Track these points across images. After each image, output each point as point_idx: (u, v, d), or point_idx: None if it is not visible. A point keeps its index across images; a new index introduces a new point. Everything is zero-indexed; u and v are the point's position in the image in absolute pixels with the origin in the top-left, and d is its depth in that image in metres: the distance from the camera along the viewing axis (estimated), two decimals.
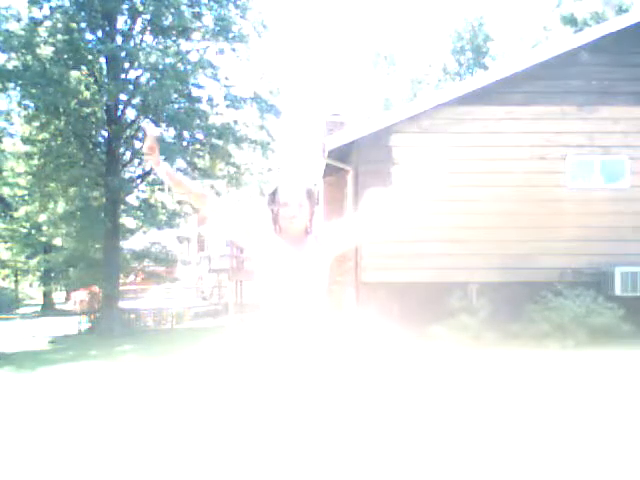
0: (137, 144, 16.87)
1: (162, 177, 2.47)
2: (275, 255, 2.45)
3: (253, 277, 2.52)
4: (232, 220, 2.51)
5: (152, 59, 14.48)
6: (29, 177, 17.74)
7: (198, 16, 16.00)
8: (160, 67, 14.49)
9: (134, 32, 15.74)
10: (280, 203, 2.45)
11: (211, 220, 2.62)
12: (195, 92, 16.48)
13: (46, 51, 14.76)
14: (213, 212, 2.52)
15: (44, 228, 23.55)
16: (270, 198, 2.52)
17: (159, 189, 17.16)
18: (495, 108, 9.52)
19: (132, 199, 17.79)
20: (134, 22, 15.75)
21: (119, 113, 16.06)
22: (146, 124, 2.75)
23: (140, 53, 14.61)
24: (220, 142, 16.77)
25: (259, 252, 2.48)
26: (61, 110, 15.26)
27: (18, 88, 14.78)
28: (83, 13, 14.78)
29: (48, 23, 14.65)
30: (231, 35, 15.95)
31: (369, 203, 2.50)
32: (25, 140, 17.02)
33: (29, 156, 16.93)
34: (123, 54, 14.77)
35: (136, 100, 15.77)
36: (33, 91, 14.01)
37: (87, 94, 15.17)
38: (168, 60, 14.82)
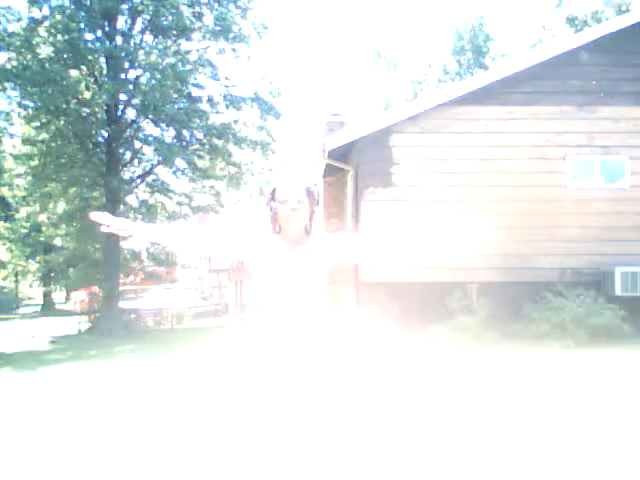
0: (137, 144, 16.90)
1: (145, 238, 2.53)
2: (274, 256, 2.45)
3: (252, 278, 2.53)
4: (227, 243, 2.53)
5: (152, 59, 14.49)
6: (29, 177, 17.77)
7: (198, 16, 16.00)
8: (160, 67, 14.49)
9: (134, 32, 15.75)
10: (279, 201, 2.44)
11: (209, 251, 2.64)
12: (195, 92, 16.49)
13: (46, 51, 14.77)
14: (207, 244, 2.55)
15: (44, 228, 23.57)
16: (269, 197, 2.52)
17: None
18: (495, 108, 9.51)
19: (132, 199, 17.81)
20: (134, 22, 15.75)
21: (119, 113, 16.07)
22: (95, 216, 2.44)
23: (140, 53, 14.62)
24: (220, 142, 16.78)
25: (259, 256, 2.47)
26: (61, 110, 15.27)
27: (17, 88, 14.78)
28: (83, 13, 14.79)
29: (47, 23, 14.65)
30: (231, 35, 15.95)
31: (373, 232, 2.55)
32: (25, 140, 17.04)
33: (29, 156, 16.95)
34: (123, 54, 14.78)
35: (136, 100, 15.77)
36: (33, 90, 14.02)
37: (87, 94, 15.17)
38: (168, 60, 14.83)
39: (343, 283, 11.06)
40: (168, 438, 4.40)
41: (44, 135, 16.53)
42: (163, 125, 16.48)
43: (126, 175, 17.22)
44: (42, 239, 25.13)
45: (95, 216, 2.42)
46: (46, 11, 14.87)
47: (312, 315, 2.47)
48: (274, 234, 2.50)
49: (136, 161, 17.34)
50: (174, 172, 17.47)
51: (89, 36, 15.33)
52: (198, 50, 16.29)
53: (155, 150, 16.42)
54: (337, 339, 2.62)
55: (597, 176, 9.50)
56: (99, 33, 15.39)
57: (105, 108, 15.42)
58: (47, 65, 14.29)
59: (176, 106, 15.86)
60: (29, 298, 40.26)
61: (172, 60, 14.96)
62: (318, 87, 63.49)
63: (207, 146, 16.79)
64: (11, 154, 18.19)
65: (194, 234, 2.54)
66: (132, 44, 15.29)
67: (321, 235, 2.57)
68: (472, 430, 4.34)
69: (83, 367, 9.23)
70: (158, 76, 14.50)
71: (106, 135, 16.28)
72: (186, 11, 15.47)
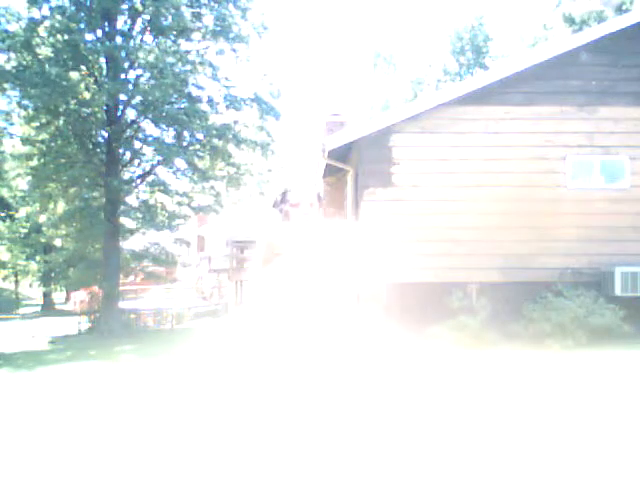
0: (137, 144, 16.89)
1: None
2: (285, 255, 2.44)
3: (256, 275, 2.52)
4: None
5: (152, 59, 14.48)
6: (29, 178, 17.75)
7: (198, 16, 16.01)
8: (160, 67, 14.48)
9: (134, 32, 15.75)
10: (291, 204, 2.44)
11: None
12: (195, 92, 16.50)
13: (45, 51, 14.77)
14: None
15: (44, 229, 23.55)
16: (280, 199, 2.51)
17: None
18: (495, 108, 9.51)
19: (132, 200, 17.79)
20: (134, 22, 15.77)
21: (119, 113, 16.07)
22: None
23: (139, 53, 14.62)
24: (220, 143, 16.77)
25: (269, 254, 2.47)
26: (61, 110, 15.26)
27: (17, 88, 14.77)
28: (82, 13, 14.78)
29: (47, 23, 14.64)
30: (231, 35, 15.96)
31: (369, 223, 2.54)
32: (25, 140, 17.02)
33: (29, 157, 16.93)
34: (123, 54, 14.77)
35: (136, 100, 15.77)
36: (32, 91, 14.01)
37: (87, 94, 15.16)
38: (168, 60, 14.82)
39: (343, 283, 11.05)
40: (168, 437, 4.39)
41: (44, 135, 16.51)
42: (163, 125, 16.48)
43: (126, 175, 17.21)
44: (42, 239, 25.13)
45: None
46: (46, 11, 14.88)
47: (319, 314, 2.47)
48: (285, 235, 2.50)
49: (136, 161, 17.33)
50: (174, 172, 17.46)
51: (89, 36, 15.35)
52: (198, 50, 16.29)
53: (155, 150, 16.41)
54: (339, 339, 2.63)
55: (597, 176, 9.49)
56: (99, 33, 15.39)
57: (105, 108, 15.41)
58: (47, 66, 14.29)
59: (176, 106, 15.86)
60: (29, 298, 40.25)
61: (172, 60, 14.96)
62: (318, 87, 63.49)
63: (207, 147, 16.78)
64: (11, 154, 18.15)
65: None
66: (132, 44, 15.28)
67: (325, 236, 2.57)
68: (471, 429, 4.34)
69: (83, 367, 9.23)
70: (158, 76, 14.49)
71: (106, 135, 16.27)
72: (186, 11, 15.47)
